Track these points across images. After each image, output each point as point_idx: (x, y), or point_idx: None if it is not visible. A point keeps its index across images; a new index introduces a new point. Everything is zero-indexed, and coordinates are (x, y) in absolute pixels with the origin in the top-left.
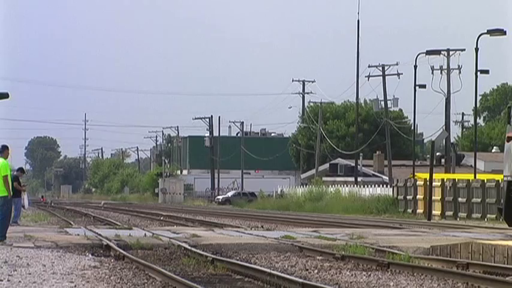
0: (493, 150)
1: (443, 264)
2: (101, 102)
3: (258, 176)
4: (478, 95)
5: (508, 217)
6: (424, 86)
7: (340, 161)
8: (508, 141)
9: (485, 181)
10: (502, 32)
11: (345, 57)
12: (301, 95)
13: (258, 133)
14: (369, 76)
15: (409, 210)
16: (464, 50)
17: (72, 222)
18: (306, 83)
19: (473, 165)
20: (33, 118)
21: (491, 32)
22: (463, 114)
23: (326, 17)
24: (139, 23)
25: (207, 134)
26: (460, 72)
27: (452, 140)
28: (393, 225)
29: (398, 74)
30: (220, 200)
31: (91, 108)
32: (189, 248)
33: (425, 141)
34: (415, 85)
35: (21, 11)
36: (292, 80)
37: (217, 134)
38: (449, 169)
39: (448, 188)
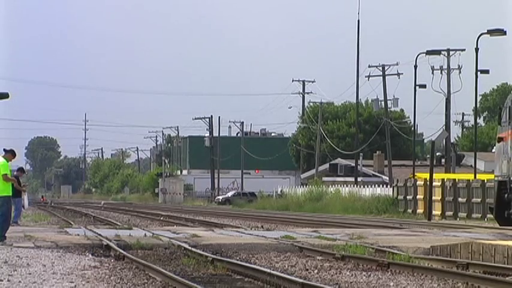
0: (493, 150)
1: (443, 264)
2: (101, 102)
3: (258, 176)
4: (478, 95)
5: (499, 216)
6: (424, 86)
7: (340, 161)
8: (498, 142)
9: (485, 181)
10: (502, 32)
11: (345, 57)
12: (301, 95)
13: (258, 133)
14: (369, 76)
15: (409, 210)
16: (464, 50)
17: (72, 222)
18: (306, 83)
19: (473, 165)
20: (33, 118)
21: (491, 32)
22: (463, 114)
23: (326, 17)
24: (140, 23)
25: (207, 134)
26: (460, 72)
27: (452, 140)
28: (393, 225)
29: (398, 74)
30: (220, 200)
31: (91, 108)
32: (189, 248)
33: (425, 141)
34: (415, 85)
35: (21, 11)
36: (292, 80)
37: (217, 134)
38: (449, 169)
39: (448, 188)
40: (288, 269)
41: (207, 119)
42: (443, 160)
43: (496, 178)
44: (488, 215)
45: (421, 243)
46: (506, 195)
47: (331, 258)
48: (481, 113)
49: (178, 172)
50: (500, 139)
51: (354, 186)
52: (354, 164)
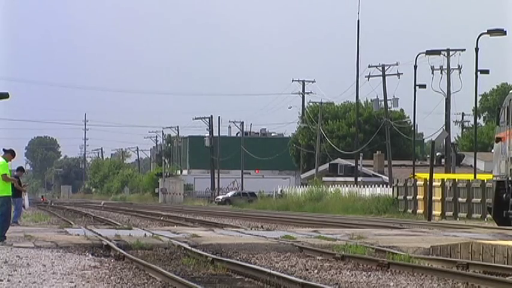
0: (492, 151)
1: (443, 264)
2: (101, 102)
3: (258, 176)
4: (478, 95)
5: (497, 216)
6: (424, 86)
7: (340, 161)
8: (497, 142)
9: (485, 181)
10: (502, 32)
11: (345, 57)
12: (301, 95)
13: (258, 133)
14: (369, 76)
15: (409, 210)
16: (464, 50)
17: (72, 222)
18: (306, 83)
19: (473, 165)
20: (33, 118)
21: (491, 32)
22: (463, 114)
23: (326, 17)
24: (140, 23)
25: (207, 134)
26: (460, 72)
27: (452, 140)
28: (393, 225)
29: (398, 74)
30: (220, 200)
31: (91, 108)
32: (189, 248)
33: (425, 141)
34: (415, 85)
35: (21, 11)
36: (292, 80)
37: (217, 134)
38: (449, 169)
39: (448, 188)
40: (288, 269)
41: (207, 119)
42: (443, 160)
43: (494, 178)
44: (488, 215)
45: (421, 243)
46: (504, 195)
47: (331, 258)
48: (481, 113)
49: (178, 172)
50: (499, 139)
51: (354, 186)
52: (354, 164)
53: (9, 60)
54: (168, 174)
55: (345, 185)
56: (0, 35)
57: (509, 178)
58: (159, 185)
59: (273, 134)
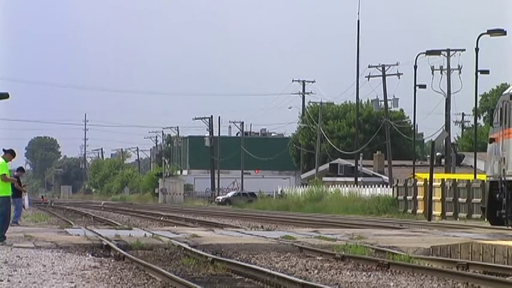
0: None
1: (443, 265)
2: (101, 102)
3: (258, 176)
4: (478, 95)
5: (491, 216)
6: (424, 86)
7: (340, 161)
8: (490, 143)
9: (485, 181)
10: (502, 32)
11: (345, 57)
12: (301, 95)
13: (258, 133)
14: (369, 76)
15: (409, 211)
16: (464, 50)
17: (72, 223)
18: (306, 83)
19: (473, 165)
20: (33, 118)
21: (491, 32)
22: (463, 114)
23: (326, 17)
24: (140, 23)
25: (207, 134)
26: (460, 72)
27: (452, 140)
28: (393, 226)
29: (398, 74)
30: (220, 200)
31: (91, 108)
32: (189, 248)
33: (425, 141)
34: (415, 85)
35: (22, 10)
36: (292, 80)
37: (217, 134)
38: (450, 169)
39: (448, 188)
40: (288, 269)
41: (207, 119)
42: (443, 160)
43: (487, 178)
44: None
45: (421, 244)
46: (497, 196)
47: (331, 259)
48: (481, 113)
49: (178, 172)
50: (492, 140)
51: (354, 186)
52: (354, 164)
53: (9, 60)
54: (168, 174)
55: (345, 185)
56: (0, 35)
57: (502, 178)
58: (159, 185)
59: (273, 134)
